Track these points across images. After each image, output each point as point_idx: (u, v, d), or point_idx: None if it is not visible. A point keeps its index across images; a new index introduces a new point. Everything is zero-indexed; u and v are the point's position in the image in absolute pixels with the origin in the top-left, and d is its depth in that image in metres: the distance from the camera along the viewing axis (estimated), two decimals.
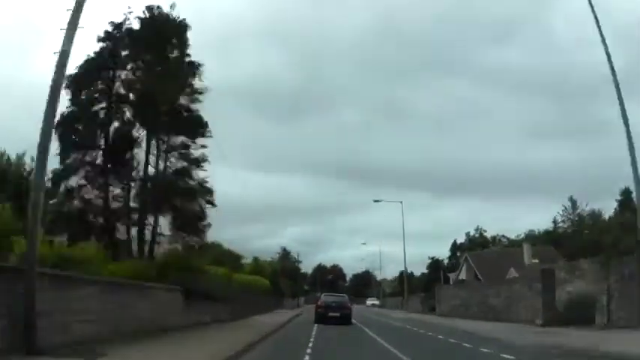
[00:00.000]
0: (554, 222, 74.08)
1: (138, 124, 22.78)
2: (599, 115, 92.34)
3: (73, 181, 21.31)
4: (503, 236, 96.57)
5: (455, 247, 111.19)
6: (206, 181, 23.67)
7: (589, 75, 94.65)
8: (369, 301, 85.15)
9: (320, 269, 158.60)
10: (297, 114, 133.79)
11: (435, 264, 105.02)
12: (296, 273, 74.54)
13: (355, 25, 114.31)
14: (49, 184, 18.52)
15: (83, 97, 21.87)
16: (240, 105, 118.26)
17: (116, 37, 22.88)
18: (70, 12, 9.60)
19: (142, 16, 23.04)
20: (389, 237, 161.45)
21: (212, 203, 23.42)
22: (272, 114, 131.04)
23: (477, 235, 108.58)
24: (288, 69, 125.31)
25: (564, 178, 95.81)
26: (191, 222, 22.99)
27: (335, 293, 38.69)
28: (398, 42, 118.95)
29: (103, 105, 22.47)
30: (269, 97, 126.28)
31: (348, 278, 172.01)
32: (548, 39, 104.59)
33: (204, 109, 23.09)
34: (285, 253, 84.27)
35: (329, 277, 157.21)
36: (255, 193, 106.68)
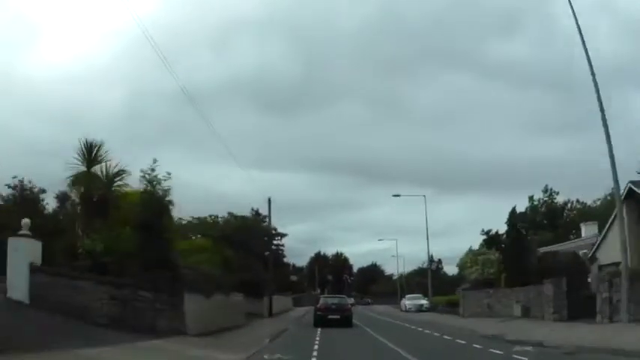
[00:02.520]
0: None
1: None
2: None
3: None
4: (577, 200, 71.88)
5: (513, 218, 76.28)
6: None
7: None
8: (410, 301, 45.73)
9: (319, 259, 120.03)
10: (296, 108, 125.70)
11: (491, 241, 72.03)
12: (263, 241, 35.24)
13: (356, 17, 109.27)
14: None
15: None
16: (239, 99, 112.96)
17: None
18: None
19: None
20: (390, 234, 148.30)
21: None
22: (271, 108, 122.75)
23: (545, 199, 73.94)
24: (287, 62, 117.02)
25: (563, 172, 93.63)
26: None
27: (335, 295, 39.42)
28: (399, 35, 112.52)
29: None
30: (268, 91, 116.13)
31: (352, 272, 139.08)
32: (552, 32, 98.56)
33: None
34: (256, 217, 44.87)
35: (329, 277, 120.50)
36: (254, 189, 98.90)
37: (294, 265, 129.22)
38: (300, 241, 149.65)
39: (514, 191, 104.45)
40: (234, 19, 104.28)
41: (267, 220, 35.55)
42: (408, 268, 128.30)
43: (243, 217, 35.06)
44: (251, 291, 30.86)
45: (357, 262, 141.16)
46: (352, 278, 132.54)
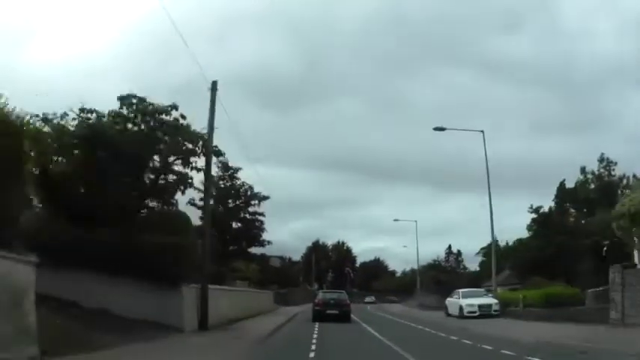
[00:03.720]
0: None
1: None
2: (604, 108, 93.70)
3: None
4: (634, 176, 56.40)
5: (562, 195, 58.10)
6: None
7: (594, 66, 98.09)
8: (470, 300, 26.10)
9: (317, 249, 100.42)
10: (295, 105, 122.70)
11: (544, 220, 56.98)
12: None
13: (357, 13, 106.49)
14: None
15: None
16: (238, 94, 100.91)
17: None
18: None
19: None
20: (391, 233, 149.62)
21: None
22: (270, 104, 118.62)
23: (601, 171, 57.59)
24: (287, 58, 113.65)
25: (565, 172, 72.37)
26: None
27: (334, 290, 36.47)
28: (400, 31, 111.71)
29: None
30: (267, 87, 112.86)
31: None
32: (555, 29, 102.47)
33: None
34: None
35: (328, 274, 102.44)
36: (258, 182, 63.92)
37: (290, 259, 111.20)
38: (298, 239, 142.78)
39: (515, 191, 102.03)
40: (234, 14, 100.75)
41: (208, 128, 16.21)
42: (412, 265, 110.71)
43: (142, 102, 15.52)
44: (143, 271, 12.21)
45: (358, 259, 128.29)
46: (354, 272, 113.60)
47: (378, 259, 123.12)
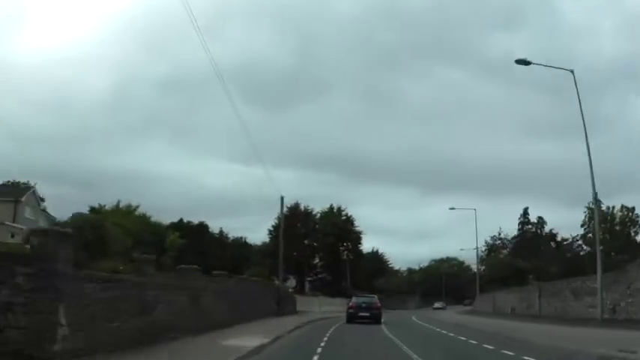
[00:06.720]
0: None
1: None
2: (602, 111, 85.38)
3: None
4: None
5: None
6: None
7: (594, 67, 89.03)
8: None
9: (295, 216, 56.68)
10: (285, 102, 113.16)
11: None
12: None
13: (351, 7, 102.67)
14: None
15: None
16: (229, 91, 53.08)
17: None
18: None
19: None
20: (385, 234, 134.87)
21: None
22: (258, 100, 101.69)
23: None
24: (277, 53, 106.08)
25: (561, 176, 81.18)
26: None
27: (366, 294, 36.93)
28: (395, 24, 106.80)
29: None
30: (256, 83, 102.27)
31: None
32: (552, 29, 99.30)
33: None
34: None
35: (317, 259, 61.57)
36: (241, 185, 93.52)
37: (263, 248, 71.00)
38: None
39: (505, 193, 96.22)
40: (220, 3, 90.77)
41: None
42: (410, 265, 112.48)
43: None
44: None
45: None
46: (354, 261, 71.13)
47: (377, 252, 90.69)
